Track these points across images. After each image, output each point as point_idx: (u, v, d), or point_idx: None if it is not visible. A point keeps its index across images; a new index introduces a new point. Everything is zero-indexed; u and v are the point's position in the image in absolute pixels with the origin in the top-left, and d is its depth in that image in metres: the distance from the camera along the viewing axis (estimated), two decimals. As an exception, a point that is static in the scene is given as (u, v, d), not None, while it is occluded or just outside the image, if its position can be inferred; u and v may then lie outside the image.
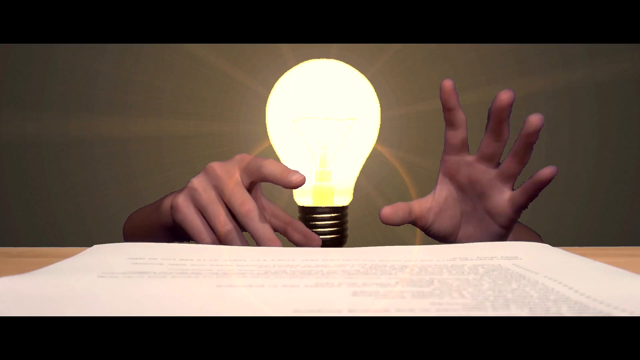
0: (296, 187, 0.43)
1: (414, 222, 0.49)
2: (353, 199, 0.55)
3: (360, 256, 0.36)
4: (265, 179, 0.44)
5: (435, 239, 0.50)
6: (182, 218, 0.44)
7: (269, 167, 0.44)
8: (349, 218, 0.53)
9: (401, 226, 0.50)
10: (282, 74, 0.56)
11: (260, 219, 0.43)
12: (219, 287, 0.27)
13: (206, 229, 0.44)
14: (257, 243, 0.43)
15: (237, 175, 0.45)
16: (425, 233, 0.49)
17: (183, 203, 0.44)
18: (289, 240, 0.47)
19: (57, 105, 1.13)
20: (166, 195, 0.52)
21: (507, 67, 1.13)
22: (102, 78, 1.13)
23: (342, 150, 0.52)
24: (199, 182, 0.44)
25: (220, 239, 0.43)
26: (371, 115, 0.53)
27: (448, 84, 0.47)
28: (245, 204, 0.43)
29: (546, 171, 0.44)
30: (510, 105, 0.44)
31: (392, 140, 0.47)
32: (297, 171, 0.44)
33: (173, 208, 0.44)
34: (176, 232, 0.48)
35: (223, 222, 0.43)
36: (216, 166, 0.45)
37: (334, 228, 0.51)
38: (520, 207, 0.47)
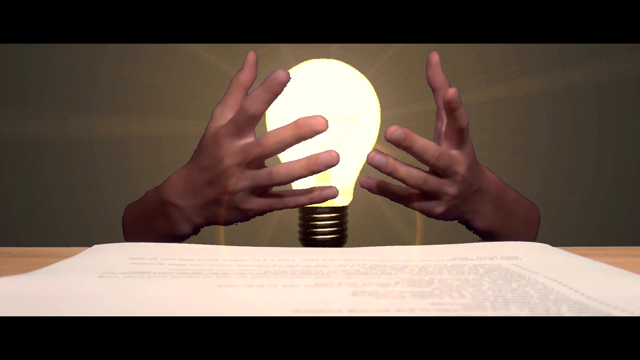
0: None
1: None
2: (353, 199, 0.55)
3: (360, 256, 0.36)
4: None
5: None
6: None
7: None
8: (349, 218, 0.53)
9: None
10: (282, 74, 0.56)
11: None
12: (219, 287, 0.27)
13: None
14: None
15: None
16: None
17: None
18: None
19: (57, 105, 1.13)
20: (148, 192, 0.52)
21: (507, 67, 1.13)
22: (102, 78, 1.13)
23: (342, 150, 0.52)
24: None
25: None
26: (371, 115, 0.53)
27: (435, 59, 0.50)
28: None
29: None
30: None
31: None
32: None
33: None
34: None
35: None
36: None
37: (334, 228, 0.51)
38: (447, 137, 0.47)
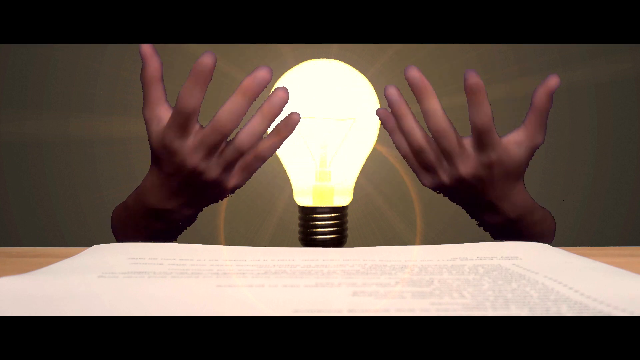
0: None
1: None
2: (353, 199, 0.55)
3: (360, 256, 0.36)
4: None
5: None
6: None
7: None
8: (349, 218, 0.53)
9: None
10: (282, 74, 0.56)
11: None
12: (219, 287, 0.27)
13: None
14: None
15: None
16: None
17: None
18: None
19: (57, 105, 1.13)
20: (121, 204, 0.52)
21: (507, 67, 1.13)
22: (102, 78, 1.13)
23: (342, 150, 0.52)
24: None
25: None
26: (371, 115, 0.53)
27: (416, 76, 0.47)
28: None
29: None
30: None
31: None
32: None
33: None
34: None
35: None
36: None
37: (334, 228, 0.51)
38: (471, 131, 0.47)
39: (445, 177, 0.48)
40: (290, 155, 0.53)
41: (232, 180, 0.47)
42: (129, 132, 1.13)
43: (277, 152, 0.55)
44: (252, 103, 0.44)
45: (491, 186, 0.48)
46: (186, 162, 0.44)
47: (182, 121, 0.43)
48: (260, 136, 0.45)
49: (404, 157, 0.50)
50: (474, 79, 0.44)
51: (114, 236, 0.54)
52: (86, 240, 1.08)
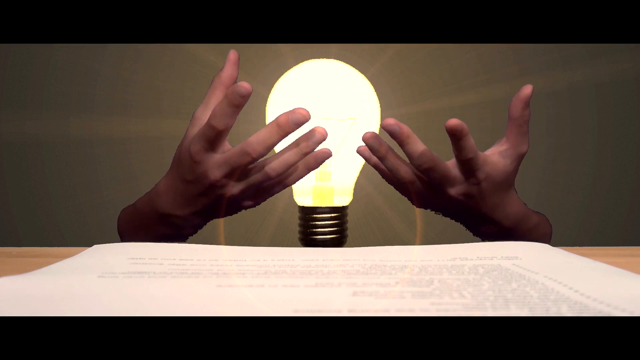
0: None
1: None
2: (353, 199, 0.55)
3: (360, 256, 0.36)
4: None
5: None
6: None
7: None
8: (349, 218, 0.53)
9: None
10: (282, 74, 0.56)
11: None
12: (219, 287, 0.27)
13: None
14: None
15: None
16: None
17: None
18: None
19: (57, 105, 1.13)
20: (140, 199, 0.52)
21: (507, 67, 1.13)
22: (102, 78, 1.13)
23: (342, 150, 0.52)
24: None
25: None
26: (371, 115, 0.53)
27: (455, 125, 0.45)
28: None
29: (450, 123, 0.44)
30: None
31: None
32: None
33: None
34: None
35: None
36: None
37: (334, 228, 0.51)
38: (457, 161, 0.46)
39: (435, 200, 0.48)
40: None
41: (249, 201, 0.47)
42: (129, 132, 1.13)
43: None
44: (284, 139, 0.44)
45: (482, 200, 0.48)
46: (208, 174, 0.44)
47: (212, 137, 0.44)
48: (290, 167, 0.45)
49: (391, 184, 0.50)
50: (452, 122, 0.44)
51: (120, 238, 0.54)
52: (86, 240, 1.07)
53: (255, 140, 0.43)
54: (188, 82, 1.12)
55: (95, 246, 0.38)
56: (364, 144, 0.47)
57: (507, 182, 0.48)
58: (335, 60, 0.55)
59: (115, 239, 0.54)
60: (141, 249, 0.37)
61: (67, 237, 1.11)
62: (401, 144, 0.45)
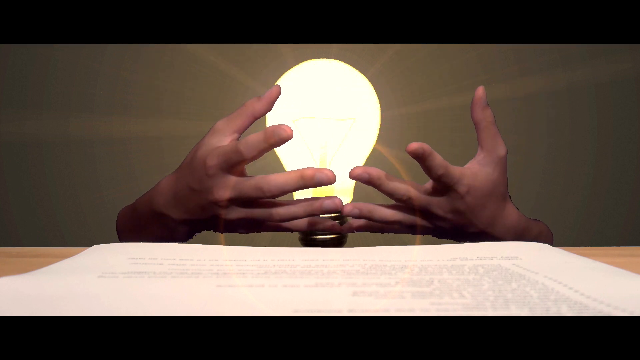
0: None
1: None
2: (353, 199, 0.55)
3: (360, 256, 0.36)
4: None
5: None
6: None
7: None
8: (349, 218, 0.53)
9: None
10: (282, 74, 0.56)
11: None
12: (219, 287, 0.27)
13: None
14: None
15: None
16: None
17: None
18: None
19: (57, 105, 1.12)
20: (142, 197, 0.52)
21: (507, 67, 1.13)
22: (102, 78, 1.13)
23: (342, 150, 0.52)
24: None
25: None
26: (371, 115, 0.53)
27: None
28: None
29: (410, 148, 0.45)
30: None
31: (392, 140, 0.47)
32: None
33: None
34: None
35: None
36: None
37: (334, 228, 0.51)
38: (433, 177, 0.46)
39: (427, 224, 0.48)
40: (290, 155, 0.53)
41: (242, 229, 0.47)
42: (129, 132, 1.13)
43: (277, 152, 0.55)
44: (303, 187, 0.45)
45: (474, 215, 0.47)
46: (214, 191, 0.44)
47: (234, 161, 0.44)
48: (295, 219, 0.46)
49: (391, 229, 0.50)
50: (412, 147, 0.44)
51: (118, 236, 0.54)
52: (86, 240, 1.07)
53: (274, 182, 0.44)
54: (188, 82, 1.12)
55: (95, 246, 0.38)
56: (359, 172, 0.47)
57: (496, 191, 0.47)
58: (335, 60, 0.55)
59: (115, 239, 0.54)
60: (141, 249, 0.37)
61: (67, 237, 1.11)
62: (378, 187, 0.46)
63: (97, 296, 0.25)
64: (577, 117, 1.14)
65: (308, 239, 0.52)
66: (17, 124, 1.13)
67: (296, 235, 0.53)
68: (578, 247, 0.42)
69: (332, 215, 0.51)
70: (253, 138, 0.44)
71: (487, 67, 1.13)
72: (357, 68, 0.55)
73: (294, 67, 0.55)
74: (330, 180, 0.44)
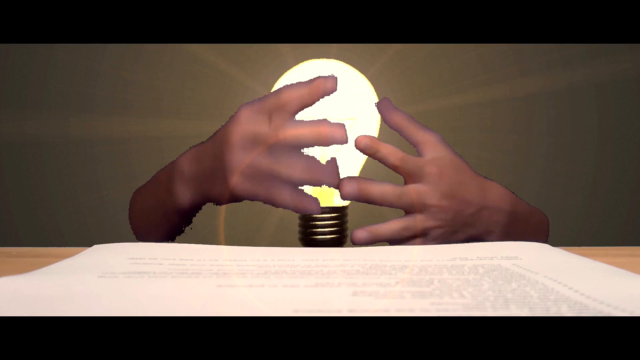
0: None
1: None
2: (351, 202, 0.55)
3: (360, 256, 0.36)
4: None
5: None
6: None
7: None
8: (349, 218, 0.53)
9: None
10: (282, 74, 0.56)
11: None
12: (219, 287, 0.27)
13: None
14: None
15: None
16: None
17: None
18: None
19: (57, 105, 1.13)
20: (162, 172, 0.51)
21: (507, 67, 1.13)
22: (102, 78, 1.13)
23: (342, 150, 0.52)
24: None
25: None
26: (371, 115, 0.53)
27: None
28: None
29: (358, 144, 0.46)
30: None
31: (392, 140, 0.47)
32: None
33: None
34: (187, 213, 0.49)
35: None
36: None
37: (334, 228, 0.51)
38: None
39: (429, 221, 0.47)
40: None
41: (246, 184, 0.45)
42: (129, 132, 1.13)
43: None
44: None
45: (462, 191, 0.47)
46: (233, 135, 0.44)
47: (267, 103, 0.44)
48: (300, 138, 0.45)
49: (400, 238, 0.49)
50: (358, 144, 0.46)
51: (129, 214, 0.54)
52: (86, 240, 1.08)
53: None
54: (188, 82, 1.12)
55: (95, 246, 0.38)
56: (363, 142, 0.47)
57: (462, 165, 0.47)
58: (335, 60, 0.55)
59: (115, 239, 0.54)
60: (141, 249, 0.37)
61: (67, 237, 1.11)
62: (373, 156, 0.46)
63: (97, 296, 0.25)
64: (577, 117, 1.14)
65: (308, 239, 0.52)
66: (17, 124, 1.13)
67: (296, 235, 0.53)
68: (578, 247, 0.42)
69: (333, 215, 0.51)
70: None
71: (487, 67, 1.13)
72: (357, 68, 0.55)
73: (294, 67, 0.55)
74: (343, 140, 0.44)
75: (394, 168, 0.47)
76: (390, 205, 0.47)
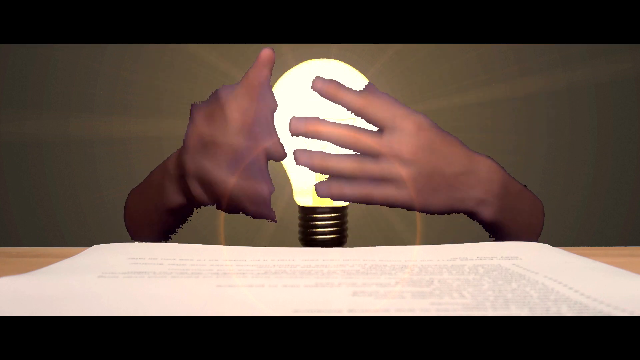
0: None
1: None
2: (348, 208, 0.55)
3: (360, 256, 0.36)
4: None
5: None
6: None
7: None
8: (349, 218, 0.53)
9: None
10: (282, 74, 0.56)
11: None
12: (219, 287, 0.27)
13: None
14: None
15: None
16: None
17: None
18: None
19: (57, 105, 1.13)
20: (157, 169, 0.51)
21: (507, 67, 1.13)
22: (102, 78, 1.13)
23: (342, 150, 0.52)
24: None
25: None
26: (371, 115, 0.53)
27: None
28: None
29: (315, 85, 0.45)
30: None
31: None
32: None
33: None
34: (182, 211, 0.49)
35: None
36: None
37: (334, 228, 0.51)
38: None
39: (404, 170, 0.44)
40: (290, 155, 0.53)
41: (232, 172, 0.44)
42: (129, 132, 1.13)
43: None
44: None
45: (444, 146, 0.45)
46: (226, 105, 0.44)
47: (245, 84, 0.45)
48: None
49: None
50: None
51: (124, 212, 0.54)
52: (86, 240, 1.07)
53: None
54: (188, 82, 1.12)
55: (95, 246, 0.38)
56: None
57: (447, 136, 0.46)
58: (335, 60, 0.55)
59: (115, 239, 0.54)
60: (141, 249, 0.37)
61: (67, 237, 1.11)
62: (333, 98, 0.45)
63: (97, 296, 0.25)
64: (577, 117, 1.14)
65: (308, 239, 0.52)
66: (17, 124, 1.13)
67: (296, 235, 0.53)
68: (578, 247, 0.42)
69: (333, 215, 0.51)
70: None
71: (487, 67, 1.13)
72: (357, 68, 0.55)
73: (294, 67, 0.55)
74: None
75: (359, 112, 0.44)
76: (343, 145, 0.44)
